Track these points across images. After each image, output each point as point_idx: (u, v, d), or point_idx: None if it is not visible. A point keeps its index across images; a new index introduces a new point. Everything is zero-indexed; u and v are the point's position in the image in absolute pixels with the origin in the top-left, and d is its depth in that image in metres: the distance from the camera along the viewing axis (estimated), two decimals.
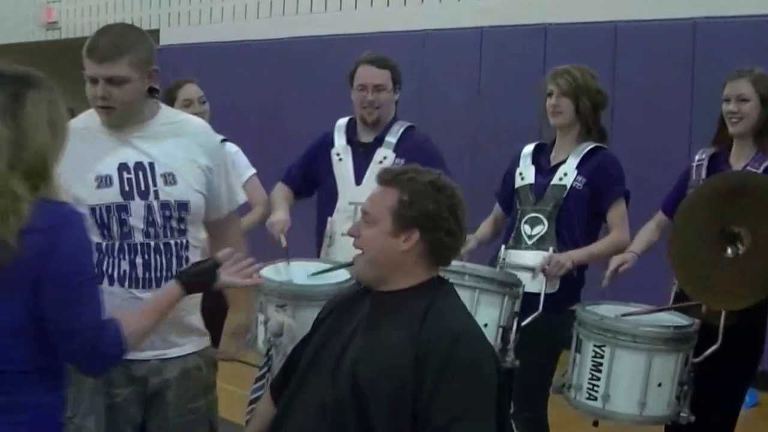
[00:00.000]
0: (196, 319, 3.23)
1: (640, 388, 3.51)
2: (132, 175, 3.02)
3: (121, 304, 2.90)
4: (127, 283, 3.01)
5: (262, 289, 3.73)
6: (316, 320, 2.93)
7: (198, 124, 3.28)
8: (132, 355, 2.98)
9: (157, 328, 2.79)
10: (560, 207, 4.08)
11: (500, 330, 3.67)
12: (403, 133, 4.41)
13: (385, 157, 4.33)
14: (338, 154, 4.42)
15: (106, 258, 3.01)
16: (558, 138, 4.24)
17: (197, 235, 3.18)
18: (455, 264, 3.62)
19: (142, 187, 3.03)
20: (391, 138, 4.38)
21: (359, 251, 2.77)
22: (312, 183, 4.57)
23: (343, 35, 9.71)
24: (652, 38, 7.43)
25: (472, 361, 2.58)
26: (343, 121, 4.52)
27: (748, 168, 3.86)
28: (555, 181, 4.12)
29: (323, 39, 10.01)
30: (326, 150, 4.46)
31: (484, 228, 4.42)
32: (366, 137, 4.43)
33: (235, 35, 11.23)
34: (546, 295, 3.88)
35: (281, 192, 4.53)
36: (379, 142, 4.39)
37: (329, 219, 4.29)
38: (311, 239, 4.42)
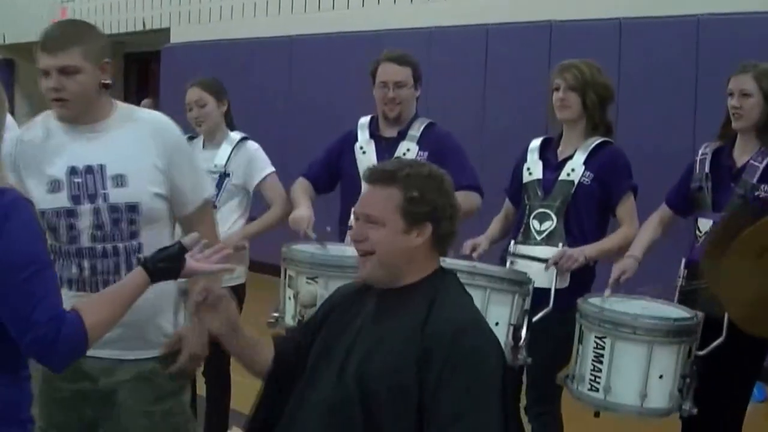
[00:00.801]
0: (167, 321, 3.14)
1: (641, 380, 3.50)
2: (81, 179, 2.98)
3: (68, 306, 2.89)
4: (76, 287, 2.98)
5: (292, 262, 3.74)
6: (323, 311, 2.91)
7: (155, 120, 3.16)
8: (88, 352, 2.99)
9: (123, 320, 2.66)
10: (568, 203, 4.07)
11: (511, 328, 3.67)
12: (425, 127, 4.46)
13: (408, 149, 4.39)
14: (361, 147, 4.48)
15: (57, 260, 2.98)
16: (564, 132, 4.23)
17: (160, 238, 3.03)
18: (466, 264, 3.65)
19: (91, 191, 2.98)
20: (414, 132, 4.44)
21: (366, 254, 2.72)
22: (333, 179, 4.62)
23: (351, 33, 9.72)
24: (656, 35, 7.41)
25: (475, 353, 2.56)
26: (365, 119, 4.57)
27: (751, 162, 3.85)
28: (563, 176, 4.11)
29: (331, 36, 10.02)
30: (350, 145, 4.52)
31: (495, 226, 4.41)
32: (389, 132, 4.49)
33: (243, 33, 11.25)
34: (556, 290, 3.88)
35: (302, 186, 4.55)
36: (402, 135, 4.45)
37: (353, 210, 4.30)
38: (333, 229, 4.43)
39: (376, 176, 2.76)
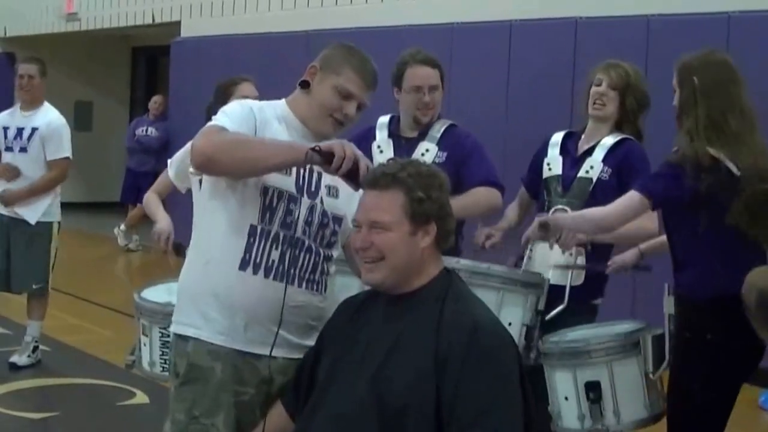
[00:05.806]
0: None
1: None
2: (306, 174, 3.14)
3: (258, 295, 3.06)
4: (272, 275, 3.10)
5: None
6: (327, 327, 3.01)
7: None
8: (262, 351, 3.08)
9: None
10: (587, 200, 4.16)
11: (524, 328, 3.78)
12: (446, 129, 4.50)
13: (427, 149, 4.42)
14: (379, 147, 4.53)
15: (257, 243, 3.10)
16: (589, 127, 4.33)
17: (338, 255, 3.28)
18: (481, 266, 3.75)
19: (312, 188, 3.16)
20: (435, 132, 4.47)
21: (374, 260, 2.80)
22: None
23: (369, 28, 9.78)
24: (685, 33, 7.47)
25: (492, 350, 2.67)
26: (385, 118, 4.61)
27: None
28: (582, 173, 4.22)
29: (349, 32, 10.09)
30: (368, 142, 4.53)
31: (511, 213, 4.50)
32: (409, 133, 4.53)
33: (258, 27, 11.33)
34: (571, 288, 3.98)
35: None
36: (422, 136, 4.49)
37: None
38: None
39: (377, 180, 2.82)
